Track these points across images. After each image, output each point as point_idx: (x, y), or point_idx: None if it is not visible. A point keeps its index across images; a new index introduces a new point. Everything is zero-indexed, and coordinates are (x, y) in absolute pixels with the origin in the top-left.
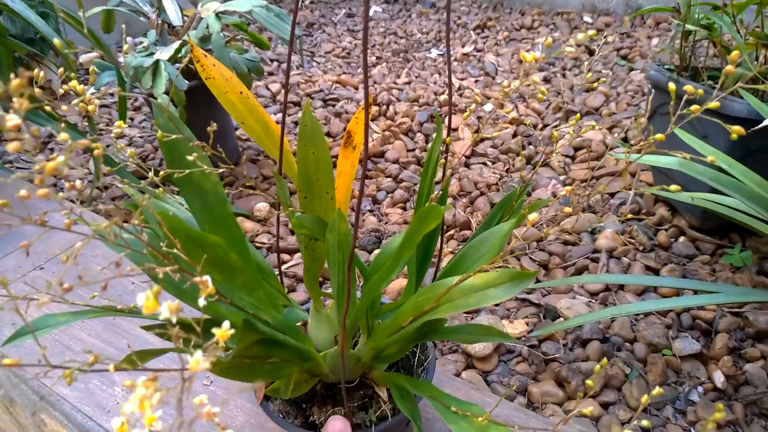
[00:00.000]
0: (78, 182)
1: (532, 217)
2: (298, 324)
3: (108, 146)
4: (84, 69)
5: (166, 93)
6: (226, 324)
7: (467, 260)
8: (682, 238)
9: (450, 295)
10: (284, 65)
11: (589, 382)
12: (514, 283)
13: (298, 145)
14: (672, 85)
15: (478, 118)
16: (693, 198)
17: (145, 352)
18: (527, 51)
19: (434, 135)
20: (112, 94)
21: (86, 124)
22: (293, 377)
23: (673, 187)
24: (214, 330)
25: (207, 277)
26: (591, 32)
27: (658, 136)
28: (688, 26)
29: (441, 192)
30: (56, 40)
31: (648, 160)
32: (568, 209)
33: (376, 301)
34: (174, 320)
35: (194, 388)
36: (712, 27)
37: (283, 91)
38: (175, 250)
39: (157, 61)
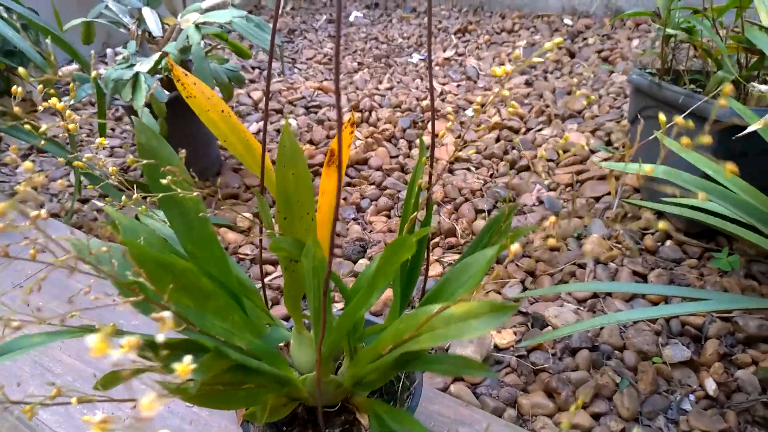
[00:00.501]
0: (44, 212)
1: (515, 248)
2: (281, 345)
3: (90, 157)
4: (64, 82)
5: (147, 105)
6: (187, 358)
7: (451, 285)
8: (668, 242)
9: (431, 324)
10: (266, 72)
11: (579, 401)
12: (495, 315)
13: (276, 165)
14: (680, 119)
15: (461, 123)
16: (679, 205)
17: (113, 375)
18: (508, 54)
19: (417, 143)
20: (93, 104)
21: (66, 135)
22: (269, 402)
23: (662, 224)
24: (176, 365)
25: (167, 314)
26: (557, 40)
27: (649, 168)
28: (669, 30)
29: (426, 212)
30: (22, 70)
31: (634, 170)
32: (552, 241)
33: (358, 323)
34: (133, 357)
35: (176, 409)
36: (693, 30)
37: (264, 99)
38: (141, 279)
39: (137, 74)
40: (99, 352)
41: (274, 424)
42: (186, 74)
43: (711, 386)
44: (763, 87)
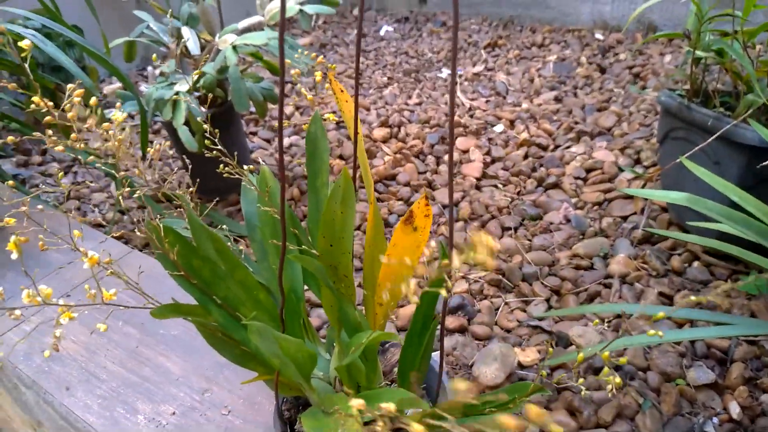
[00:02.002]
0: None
1: None
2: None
3: (128, 170)
4: (108, 101)
5: (186, 123)
6: None
7: None
8: (696, 263)
9: None
10: (297, 86)
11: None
12: None
13: (328, 199)
14: None
15: (489, 139)
16: (704, 232)
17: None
18: (538, 70)
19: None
20: (132, 116)
21: (107, 146)
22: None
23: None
24: None
25: None
26: None
27: (674, 196)
28: (699, 53)
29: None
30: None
31: (657, 197)
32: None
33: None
34: None
35: (212, 416)
36: (724, 52)
37: (297, 113)
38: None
39: (176, 93)
40: None
41: (298, 401)
42: (342, 90)
43: (735, 410)
44: None
